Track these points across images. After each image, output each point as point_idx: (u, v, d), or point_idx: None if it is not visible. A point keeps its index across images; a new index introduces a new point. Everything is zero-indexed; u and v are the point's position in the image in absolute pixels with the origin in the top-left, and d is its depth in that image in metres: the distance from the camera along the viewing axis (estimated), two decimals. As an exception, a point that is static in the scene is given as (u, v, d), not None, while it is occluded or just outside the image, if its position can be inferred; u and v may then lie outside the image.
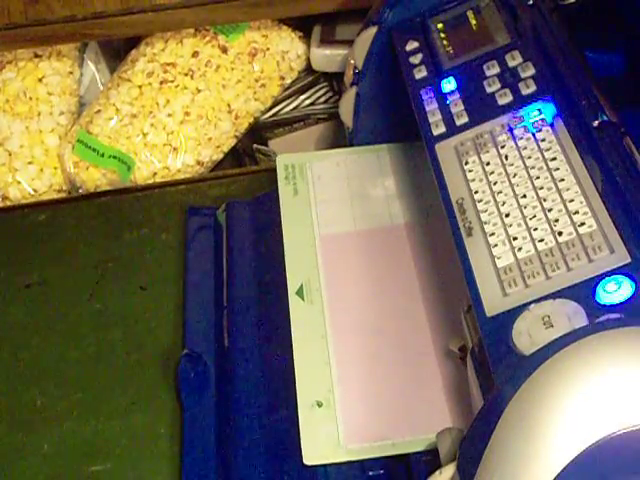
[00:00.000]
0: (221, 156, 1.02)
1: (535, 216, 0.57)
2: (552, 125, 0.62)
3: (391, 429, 0.64)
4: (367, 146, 0.85)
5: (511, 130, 0.64)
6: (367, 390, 0.66)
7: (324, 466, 0.64)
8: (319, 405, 0.65)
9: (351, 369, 0.68)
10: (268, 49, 1.04)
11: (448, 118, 0.68)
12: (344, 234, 0.77)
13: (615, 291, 0.50)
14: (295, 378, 0.67)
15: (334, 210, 0.79)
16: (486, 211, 0.60)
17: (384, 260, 0.75)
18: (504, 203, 0.59)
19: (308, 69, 1.06)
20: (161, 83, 1.01)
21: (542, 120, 0.63)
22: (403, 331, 0.70)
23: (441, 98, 0.70)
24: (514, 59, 0.68)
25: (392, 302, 0.72)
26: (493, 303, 0.54)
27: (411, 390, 0.66)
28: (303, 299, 0.72)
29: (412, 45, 0.76)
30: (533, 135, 0.63)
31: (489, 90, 0.68)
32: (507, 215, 0.59)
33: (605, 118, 0.61)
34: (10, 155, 1.01)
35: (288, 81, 1.05)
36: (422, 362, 0.67)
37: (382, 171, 0.82)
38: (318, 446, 0.63)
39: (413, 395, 0.66)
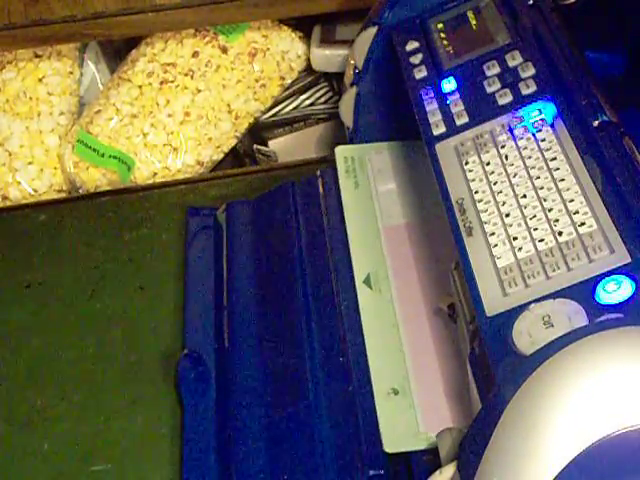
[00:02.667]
0: (221, 156, 1.02)
1: (535, 216, 0.57)
2: (552, 125, 0.62)
3: (469, 416, 0.63)
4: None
5: (511, 130, 0.64)
6: (442, 377, 0.66)
7: (324, 465, 0.64)
8: (395, 393, 0.65)
9: (424, 356, 0.68)
10: (268, 49, 1.04)
11: (448, 118, 0.68)
12: (406, 225, 0.78)
13: (615, 291, 0.51)
14: (368, 366, 0.67)
15: (396, 202, 0.80)
16: (486, 211, 0.60)
17: (445, 249, 0.75)
18: (504, 203, 0.59)
19: (308, 69, 1.06)
20: (161, 83, 1.01)
21: (542, 120, 0.63)
22: None
23: (441, 98, 0.70)
24: (514, 59, 0.68)
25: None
26: (493, 303, 0.54)
27: None
28: (371, 288, 0.72)
29: (412, 45, 0.76)
30: (533, 135, 0.63)
31: (489, 90, 0.68)
32: (507, 215, 0.59)
33: (605, 118, 0.61)
34: (10, 155, 1.01)
35: (288, 81, 1.05)
36: None
37: None
38: (398, 434, 0.63)
39: None
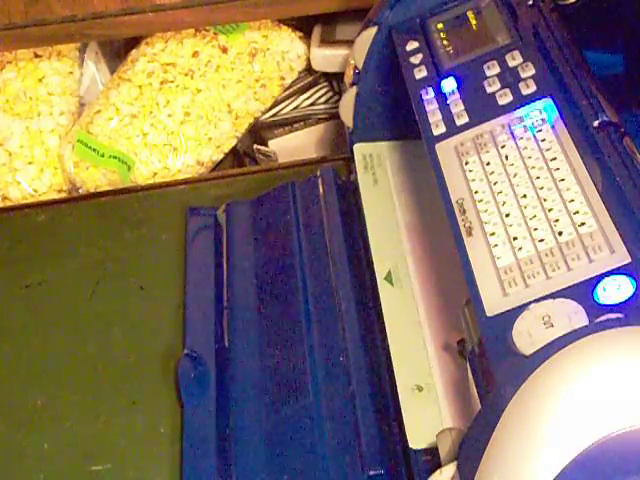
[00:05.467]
0: (221, 156, 1.02)
1: (535, 216, 0.57)
2: (552, 125, 0.62)
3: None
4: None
5: (511, 130, 0.64)
6: (466, 373, 0.66)
7: (324, 465, 0.64)
8: (419, 389, 0.65)
9: (448, 352, 0.68)
10: (268, 49, 1.04)
11: (448, 118, 0.68)
12: (425, 222, 0.78)
13: (615, 291, 0.50)
14: (392, 363, 0.67)
15: (414, 199, 0.80)
16: (486, 211, 0.60)
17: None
18: (504, 203, 0.59)
19: (308, 69, 1.06)
20: (161, 83, 1.01)
21: (542, 120, 0.63)
22: None
23: (441, 98, 0.70)
24: (514, 59, 0.68)
25: None
26: (493, 303, 0.54)
27: None
28: (392, 284, 0.73)
29: (412, 45, 0.76)
30: (533, 135, 0.63)
31: (489, 90, 0.68)
32: (507, 215, 0.59)
33: (605, 118, 0.61)
34: (10, 155, 1.01)
35: (288, 81, 1.05)
36: None
37: None
38: (422, 430, 0.63)
39: None
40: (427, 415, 0.64)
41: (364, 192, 0.80)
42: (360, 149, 0.84)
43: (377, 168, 0.82)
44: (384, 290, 0.72)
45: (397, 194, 0.80)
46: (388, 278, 0.73)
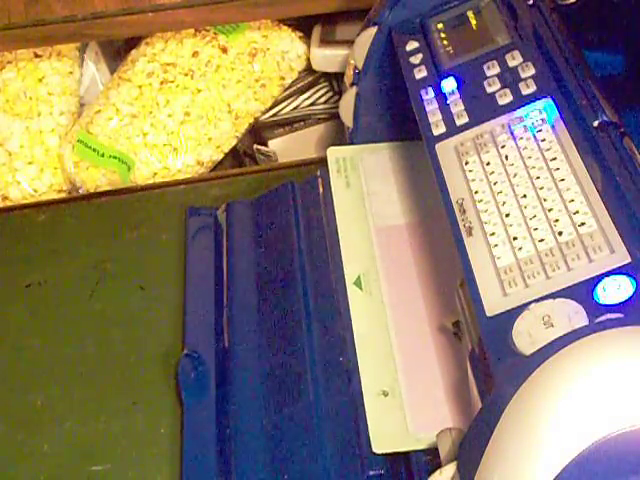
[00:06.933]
0: (221, 156, 1.02)
1: (535, 216, 0.57)
2: (552, 125, 0.62)
3: (458, 418, 0.64)
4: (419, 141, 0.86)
5: (511, 130, 0.64)
6: (432, 378, 0.67)
7: (324, 465, 0.64)
8: (385, 394, 0.65)
9: (414, 358, 0.68)
10: (268, 49, 1.04)
11: (448, 118, 0.68)
12: (397, 226, 0.78)
13: (615, 291, 0.50)
14: (358, 368, 0.68)
15: (387, 203, 0.80)
16: (486, 211, 0.60)
17: (438, 252, 0.75)
18: (504, 203, 0.59)
19: (308, 69, 1.06)
20: (161, 83, 1.01)
21: (542, 120, 0.63)
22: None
23: (441, 98, 0.70)
24: (514, 59, 0.68)
25: (448, 294, 0.72)
26: (493, 303, 0.54)
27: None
28: (361, 289, 0.73)
29: (412, 45, 0.76)
30: (533, 135, 0.63)
31: (489, 90, 0.68)
32: (507, 215, 0.59)
33: (605, 118, 0.61)
34: (10, 155, 1.01)
35: (288, 81, 1.05)
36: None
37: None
38: (387, 435, 0.63)
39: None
40: (392, 420, 0.64)
41: (336, 195, 0.80)
42: (333, 152, 0.84)
43: (350, 171, 0.82)
44: (353, 295, 0.72)
45: (369, 197, 0.80)
46: (357, 283, 0.73)
